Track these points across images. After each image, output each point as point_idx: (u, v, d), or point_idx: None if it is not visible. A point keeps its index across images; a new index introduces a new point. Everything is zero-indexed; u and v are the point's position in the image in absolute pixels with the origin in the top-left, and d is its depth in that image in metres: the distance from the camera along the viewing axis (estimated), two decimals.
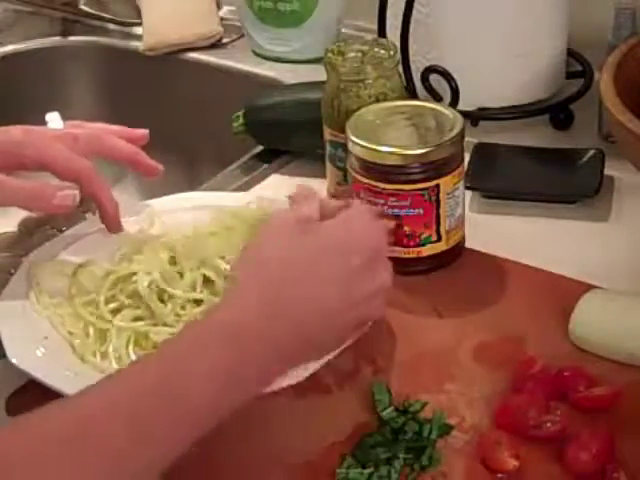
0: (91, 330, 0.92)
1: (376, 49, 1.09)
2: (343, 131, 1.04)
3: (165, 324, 0.91)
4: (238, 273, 0.78)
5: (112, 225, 0.99)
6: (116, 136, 1.02)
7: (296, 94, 1.22)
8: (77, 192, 0.95)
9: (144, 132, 1.04)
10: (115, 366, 0.90)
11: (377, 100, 1.07)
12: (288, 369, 0.77)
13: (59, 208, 0.95)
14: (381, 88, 1.07)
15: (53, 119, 1.08)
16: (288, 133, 1.21)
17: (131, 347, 0.90)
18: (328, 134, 1.10)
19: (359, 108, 1.05)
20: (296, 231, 0.79)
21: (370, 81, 1.07)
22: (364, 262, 0.79)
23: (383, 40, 1.13)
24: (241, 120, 1.23)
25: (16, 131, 0.97)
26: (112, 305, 0.93)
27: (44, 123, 1.08)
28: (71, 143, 0.98)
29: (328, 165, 1.11)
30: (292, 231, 0.79)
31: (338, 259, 0.77)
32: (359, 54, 1.08)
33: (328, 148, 1.11)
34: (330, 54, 1.09)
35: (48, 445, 0.64)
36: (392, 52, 1.08)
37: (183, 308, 0.93)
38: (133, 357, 0.90)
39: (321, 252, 0.78)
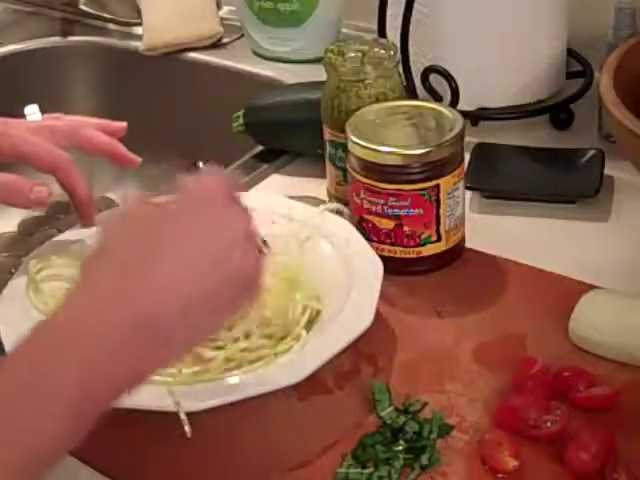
0: None
1: (376, 49, 1.09)
2: (343, 131, 1.04)
3: None
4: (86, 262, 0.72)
5: (86, 218, 0.98)
6: (94, 128, 1.01)
7: (296, 94, 1.22)
8: (48, 188, 0.95)
9: (122, 125, 1.03)
10: None
11: (377, 100, 1.07)
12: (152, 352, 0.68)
13: (35, 203, 0.94)
14: (381, 88, 1.07)
15: (32, 112, 1.08)
16: (288, 133, 1.21)
17: None
18: (328, 134, 1.10)
19: (359, 108, 1.05)
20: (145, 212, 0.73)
21: (370, 81, 1.07)
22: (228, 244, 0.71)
23: (383, 40, 1.13)
24: (241, 120, 1.23)
25: None
26: None
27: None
28: (49, 135, 0.97)
29: (328, 165, 1.11)
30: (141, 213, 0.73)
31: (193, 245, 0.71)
32: (359, 54, 1.08)
33: (328, 148, 1.11)
34: (330, 54, 1.09)
35: None
36: (392, 52, 1.08)
37: None
38: None
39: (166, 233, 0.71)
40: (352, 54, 1.08)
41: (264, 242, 0.83)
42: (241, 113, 1.24)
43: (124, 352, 0.66)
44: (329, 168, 1.11)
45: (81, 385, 0.64)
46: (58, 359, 0.65)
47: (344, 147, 1.04)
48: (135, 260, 0.69)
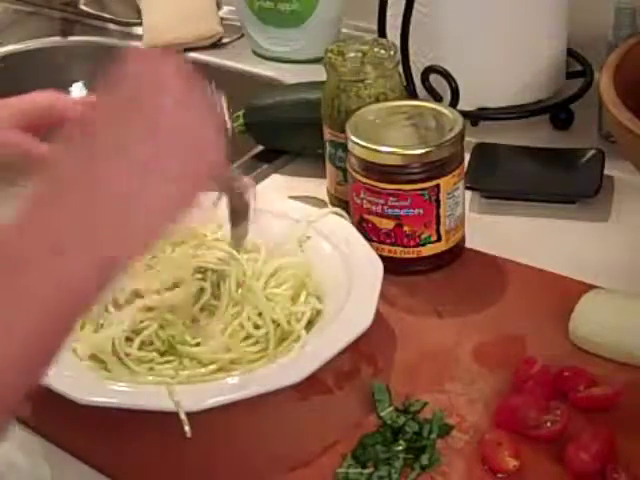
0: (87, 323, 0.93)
1: (376, 49, 1.09)
2: (343, 131, 1.04)
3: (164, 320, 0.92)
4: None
5: None
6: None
7: (296, 94, 1.22)
8: None
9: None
10: (113, 358, 0.91)
11: (377, 100, 1.07)
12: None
13: None
14: (381, 88, 1.07)
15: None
16: (288, 133, 1.21)
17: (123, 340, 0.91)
18: (328, 134, 1.10)
19: (359, 108, 1.05)
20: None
21: (370, 81, 1.07)
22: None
23: (383, 40, 1.13)
24: (241, 120, 1.23)
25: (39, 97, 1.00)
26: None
27: None
28: None
29: (328, 165, 1.11)
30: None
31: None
32: (359, 54, 1.08)
33: (328, 148, 1.11)
34: (330, 54, 1.09)
35: None
36: (392, 52, 1.09)
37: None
38: (127, 350, 0.90)
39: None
40: (352, 54, 1.08)
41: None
42: (241, 113, 1.24)
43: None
44: (329, 168, 1.11)
45: None
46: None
47: (344, 147, 1.04)
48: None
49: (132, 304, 0.93)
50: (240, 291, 0.94)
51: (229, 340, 0.91)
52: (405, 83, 1.23)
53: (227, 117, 0.77)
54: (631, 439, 0.82)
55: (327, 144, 1.11)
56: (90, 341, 0.91)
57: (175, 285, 0.94)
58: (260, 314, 0.92)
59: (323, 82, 1.11)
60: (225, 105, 0.78)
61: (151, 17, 1.55)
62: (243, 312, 0.92)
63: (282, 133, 1.22)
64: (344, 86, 1.08)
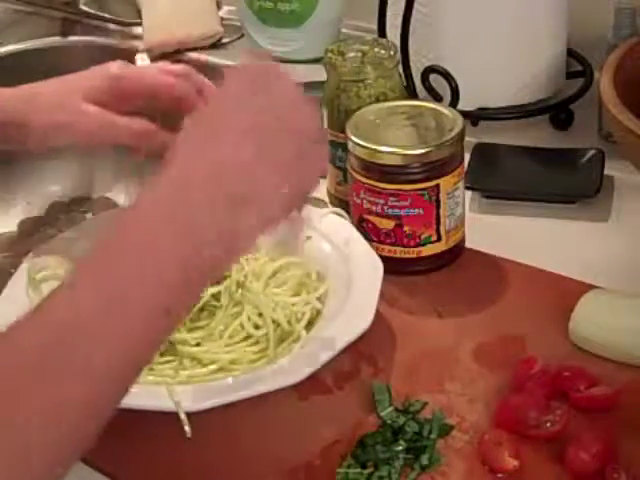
0: None
1: (376, 49, 1.09)
2: (343, 131, 1.04)
3: None
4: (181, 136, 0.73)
5: None
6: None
7: None
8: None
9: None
10: None
11: (377, 100, 1.07)
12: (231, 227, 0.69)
13: (162, 148, 0.94)
14: (381, 88, 1.07)
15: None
16: None
17: None
18: (328, 134, 1.10)
19: (359, 108, 1.05)
20: (246, 90, 0.74)
21: (370, 81, 1.07)
22: (302, 145, 0.73)
23: (383, 40, 1.13)
24: None
25: (113, 67, 0.97)
26: None
27: None
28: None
29: (328, 165, 1.11)
30: (243, 89, 0.74)
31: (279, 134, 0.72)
32: (359, 54, 1.08)
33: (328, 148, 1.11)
34: (330, 54, 1.09)
35: (26, 353, 0.62)
36: (392, 52, 1.09)
37: None
38: None
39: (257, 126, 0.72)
40: (352, 54, 1.08)
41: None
42: None
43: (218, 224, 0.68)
44: (329, 168, 1.11)
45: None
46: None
47: (344, 147, 1.04)
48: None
49: None
50: (240, 291, 0.94)
51: (229, 340, 0.91)
52: (405, 83, 1.23)
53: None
54: (631, 439, 0.82)
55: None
56: None
57: None
58: (260, 314, 0.92)
59: (323, 82, 1.11)
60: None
61: (151, 17, 1.55)
62: (243, 312, 0.92)
63: None
64: (344, 86, 1.08)
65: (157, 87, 0.96)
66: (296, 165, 0.72)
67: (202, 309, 0.94)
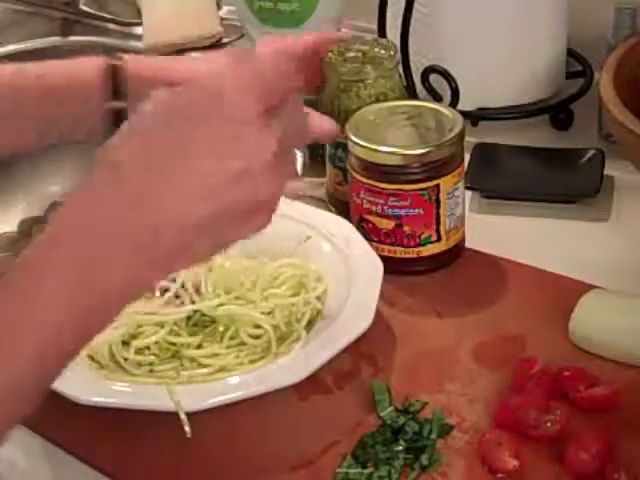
0: None
1: (376, 49, 1.09)
2: (343, 131, 1.04)
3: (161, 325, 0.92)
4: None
5: None
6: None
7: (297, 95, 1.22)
8: None
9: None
10: (111, 363, 0.91)
11: (377, 100, 1.07)
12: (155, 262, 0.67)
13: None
14: (381, 88, 1.07)
15: None
16: None
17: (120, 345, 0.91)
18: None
19: (359, 108, 1.05)
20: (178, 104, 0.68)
21: (370, 81, 1.07)
22: (245, 170, 0.67)
23: (383, 40, 1.13)
24: None
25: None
26: None
27: None
28: None
29: (328, 165, 1.11)
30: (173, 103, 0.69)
31: (211, 160, 0.67)
32: (359, 54, 1.08)
33: (328, 148, 1.10)
34: (330, 54, 1.09)
35: None
36: (392, 52, 1.09)
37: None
38: (125, 354, 0.91)
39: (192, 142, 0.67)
40: (352, 54, 1.08)
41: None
42: None
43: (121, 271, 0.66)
44: (329, 168, 1.11)
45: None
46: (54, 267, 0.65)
47: (344, 147, 1.04)
48: (154, 167, 0.67)
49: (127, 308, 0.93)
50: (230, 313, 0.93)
51: (230, 342, 0.92)
52: (405, 83, 1.23)
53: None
54: (631, 439, 0.82)
55: (327, 144, 1.10)
56: (87, 346, 0.91)
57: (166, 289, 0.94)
58: (259, 326, 0.92)
59: (323, 82, 1.11)
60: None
61: (151, 17, 1.55)
62: (241, 328, 0.92)
63: None
64: (344, 86, 1.08)
65: None
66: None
67: (203, 314, 0.94)
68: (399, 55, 1.14)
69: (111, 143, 0.69)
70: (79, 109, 0.94)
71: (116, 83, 0.96)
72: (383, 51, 1.09)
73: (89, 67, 0.97)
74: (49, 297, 0.64)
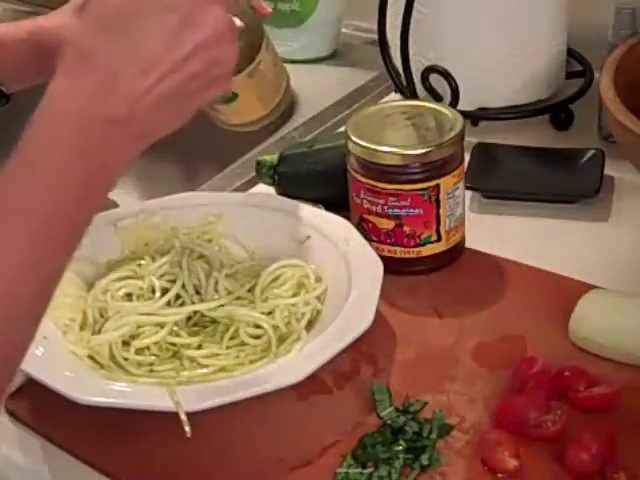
0: (90, 314, 0.94)
1: None
2: None
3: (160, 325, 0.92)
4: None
5: None
6: None
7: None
8: None
9: None
10: (111, 363, 0.91)
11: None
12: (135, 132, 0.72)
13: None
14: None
15: None
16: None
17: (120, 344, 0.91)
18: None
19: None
20: None
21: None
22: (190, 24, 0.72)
23: None
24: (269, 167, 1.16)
25: None
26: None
27: None
28: None
29: None
30: None
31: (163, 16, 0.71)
32: None
33: None
34: None
35: None
36: None
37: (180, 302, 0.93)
38: (125, 354, 0.91)
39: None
40: None
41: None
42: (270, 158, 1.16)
43: (98, 149, 0.70)
44: None
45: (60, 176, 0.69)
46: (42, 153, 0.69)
47: None
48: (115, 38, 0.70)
49: (127, 309, 0.93)
50: (230, 313, 0.93)
51: (230, 342, 0.92)
52: (405, 83, 1.23)
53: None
54: (631, 439, 0.82)
55: None
56: (87, 346, 0.92)
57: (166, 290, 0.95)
58: (259, 326, 0.92)
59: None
60: None
61: None
62: (241, 328, 0.92)
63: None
64: None
65: None
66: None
67: (203, 315, 0.94)
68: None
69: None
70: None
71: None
72: None
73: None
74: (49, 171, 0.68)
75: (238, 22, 0.83)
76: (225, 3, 0.73)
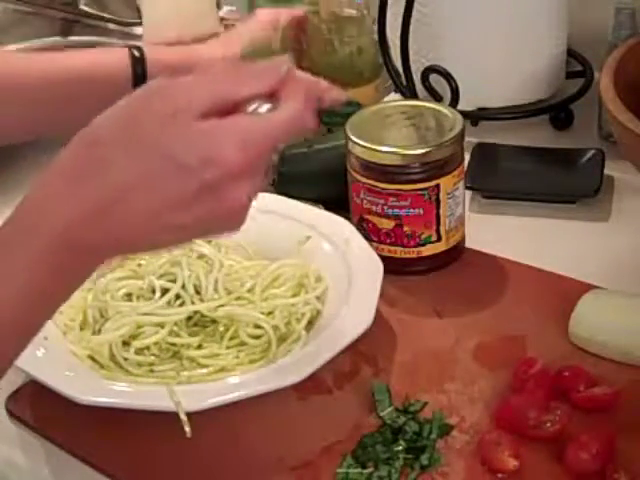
0: (90, 314, 0.94)
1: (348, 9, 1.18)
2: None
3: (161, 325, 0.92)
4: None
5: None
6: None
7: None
8: None
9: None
10: (111, 363, 0.91)
11: (351, 54, 1.15)
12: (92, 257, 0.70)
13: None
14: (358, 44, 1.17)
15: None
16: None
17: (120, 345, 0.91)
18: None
19: (338, 62, 1.15)
20: (156, 119, 0.68)
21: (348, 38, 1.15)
22: (208, 185, 0.68)
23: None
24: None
25: None
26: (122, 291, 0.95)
27: None
28: None
29: None
30: (152, 115, 0.68)
31: (178, 176, 0.67)
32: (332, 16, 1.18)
33: None
34: (310, 15, 1.18)
35: None
36: (366, 11, 1.18)
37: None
38: (125, 354, 0.91)
39: (162, 156, 0.67)
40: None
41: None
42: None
43: (68, 270, 0.68)
44: None
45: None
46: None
47: None
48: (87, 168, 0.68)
49: (127, 309, 0.93)
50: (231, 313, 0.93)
51: (229, 342, 0.92)
52: (405, 83, 1.23)
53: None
54: (631, 439, 0.82)
55: None
56: (87, 346, 0.92)
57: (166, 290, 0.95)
58: (259, 326, 0.92)
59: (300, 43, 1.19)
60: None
61: (151, 17, 1.55)
62: (239, 329, 0.92)
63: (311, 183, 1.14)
64: (326, 44, 1.17)
65: None
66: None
67: (203, 315, 0.94)
68: (374, 15, 1.20)
69: (93, 122, 0.70)
70: (105, 97, 0.95)
71: (137, 71, 1.03)
72: (355, 11, 1.16)
73: (114, 56, 1.04)
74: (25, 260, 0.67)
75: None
76: (255, 180, 0.70)
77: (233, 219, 0.71)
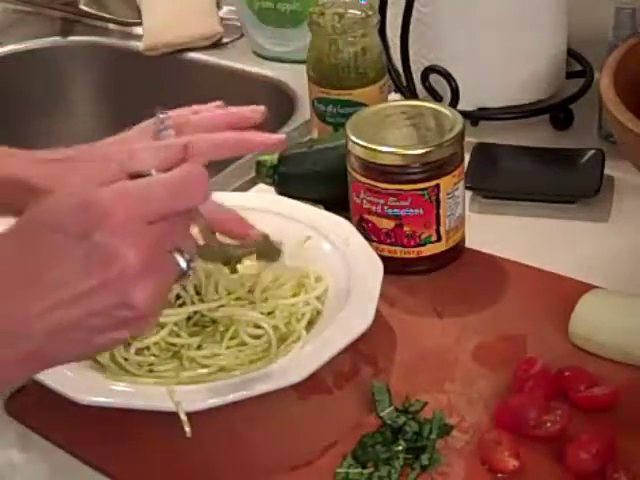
0: None
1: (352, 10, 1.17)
2: (325, 85, 1.11)
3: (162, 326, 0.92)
4: None
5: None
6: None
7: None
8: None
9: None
10: (111, 364, 0.91)
11: (355, 55, 1.14)
12: None
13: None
14: (363, 44, 1.15)
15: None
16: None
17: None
18: (317, 92, 1.16)
19: (342, 63, 1.14)
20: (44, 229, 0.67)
21: (351, 38, 1.14)
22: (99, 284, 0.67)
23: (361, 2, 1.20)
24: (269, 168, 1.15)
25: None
26: None
27: (44, 124, 1.08)
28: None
29: (317, 122, 1.17)
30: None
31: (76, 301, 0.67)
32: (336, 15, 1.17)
33: (316, 105, 1.17)
34: (314, 15, 1.17)
35: None
36: (370, 12, 1.16)
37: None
38: (125, 355, 0.91)
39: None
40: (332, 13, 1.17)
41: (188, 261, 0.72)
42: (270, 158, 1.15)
43: None
44: (318, 125, 1.16)
45: None
46: None
47: (333, 102, 1.10)
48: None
49: None
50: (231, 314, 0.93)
51: (230, 342, 0.92)
52: (405, 82, 1.23)
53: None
54: (631, 439, 0.82)
55: (315, 102, 1.17)
56: None
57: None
58: (259, 326, 0.92)
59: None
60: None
61: (151, 17, 1.55)
62: (240, 328, 0.92)
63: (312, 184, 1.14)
64: (329, 43, 1.15)
65: None
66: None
67: (203, 315, 0.94)
68: (378, 16, 1.19)
69: None
70: None
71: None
72: (359, 12, 1.16)
73: None
74: None
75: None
76: (156, 248, 0.68)
77: (134, 316, 0.69)
